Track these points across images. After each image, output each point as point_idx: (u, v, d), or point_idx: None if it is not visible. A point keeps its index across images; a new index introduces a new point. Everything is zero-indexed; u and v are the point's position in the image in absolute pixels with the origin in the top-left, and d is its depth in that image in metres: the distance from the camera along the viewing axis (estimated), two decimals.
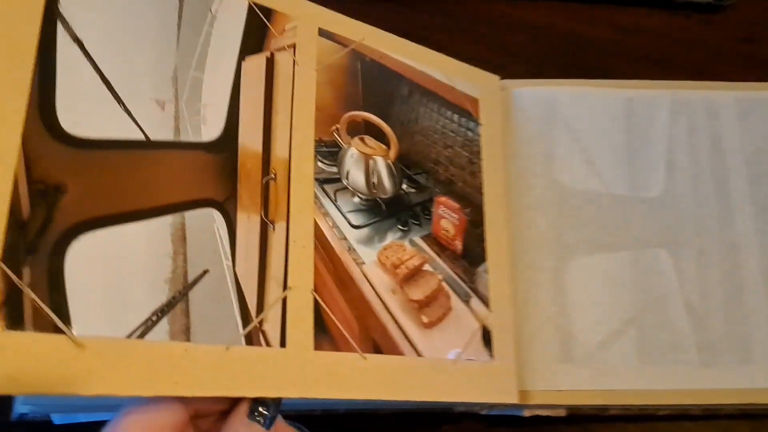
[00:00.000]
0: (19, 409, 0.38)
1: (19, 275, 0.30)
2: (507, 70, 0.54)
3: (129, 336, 0.32)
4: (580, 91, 0.55)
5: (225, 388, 0.34)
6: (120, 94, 0.35)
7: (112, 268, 0.33)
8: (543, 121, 0.54)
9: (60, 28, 0.34)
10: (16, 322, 0.29)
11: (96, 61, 0.35)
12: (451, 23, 0.60)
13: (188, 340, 0.34)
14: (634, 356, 0.48)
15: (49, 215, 0.32)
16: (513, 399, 0.46)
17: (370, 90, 0.46)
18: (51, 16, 0.34)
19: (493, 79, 0.53)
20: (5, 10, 0.33)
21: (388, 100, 0.47)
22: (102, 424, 0.31)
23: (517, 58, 0.60)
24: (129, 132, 0.35)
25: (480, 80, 0.53)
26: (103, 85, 0.35)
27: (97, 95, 0.35)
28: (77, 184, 0.33)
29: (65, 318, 0.31)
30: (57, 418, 0.38)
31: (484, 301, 0.47)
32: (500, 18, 0.61)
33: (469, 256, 0.47)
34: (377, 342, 0.41)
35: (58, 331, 0.30)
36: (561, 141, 0.53)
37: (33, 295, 0.30)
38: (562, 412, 0.48)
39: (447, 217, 0.47)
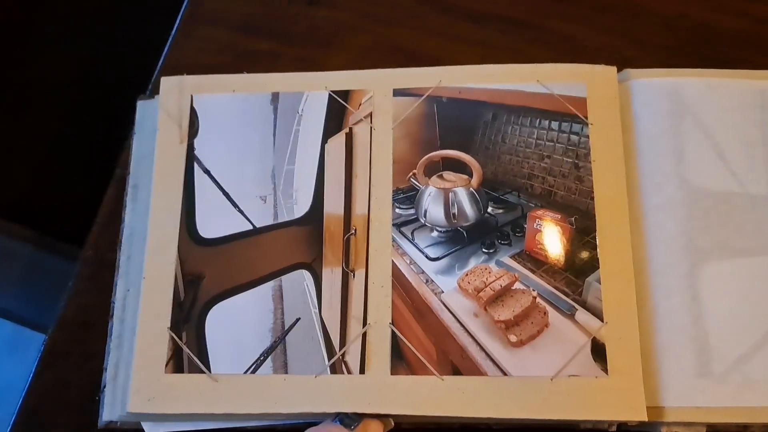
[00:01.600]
0: (107, 416, 0.46)
1: (180, 338, 0.47)
2: (634, 62, 0.51)
3: (245, 372, 0.46)
4: (708, 82, 0.49)
5: (313, 406, 0.45)
6: (235, 200, 0.50)
7: (233, 326, 0.47)
8: (669, 114, 0.48)
9: (196, 166, 0.51)
10: (178, 368, 0.46)
11: (219, 181, 0.50)
12: (574, 11, 0.56)
13: (286, 372, 0.46)
14: None
15: (195, 295, 0.48)
16: (639, 416, 0.43)
17: (448, 128, 0.50)
18: (190, 159, 0.51)
19: (607, 71, 0.50)
20: (165, 164, 0.51)
21: (469, 131, 0.50)
22: None
23: (646, 50, 0.55)
24: (242, 225, 0.49)
25: (588, 77, 0.50)
26: (224, 198, 0.50)
27: (220, 206, 0.50)
28: (210, 271, 0.48)
29: (206, 363, 0.46)
30: (149, 427, 0.45)
31: (595, 313, 0.45)
32: (628, 6, 0.56)
33: (575, 266, 0.46)
34: (456, 365, 0.45)
35: (203, 371, 0.46)
36: (690, 136, 0.47)
37: (188, 351, 0.47)
38: (702, 430, 0.42)
39: (544, 230, 0.47)
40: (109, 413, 0.47)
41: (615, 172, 0.48)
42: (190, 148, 0.51)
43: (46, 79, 0.77)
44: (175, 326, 0.47)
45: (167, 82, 0.53)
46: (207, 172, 0.51)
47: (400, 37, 0.58)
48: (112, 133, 0.57)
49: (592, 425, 0.45)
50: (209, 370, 0.46)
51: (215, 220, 0.50)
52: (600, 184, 0.47)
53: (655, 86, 0.49)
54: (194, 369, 0.46)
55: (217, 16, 0.59)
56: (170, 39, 0.59)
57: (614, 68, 0.50)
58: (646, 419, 0.43)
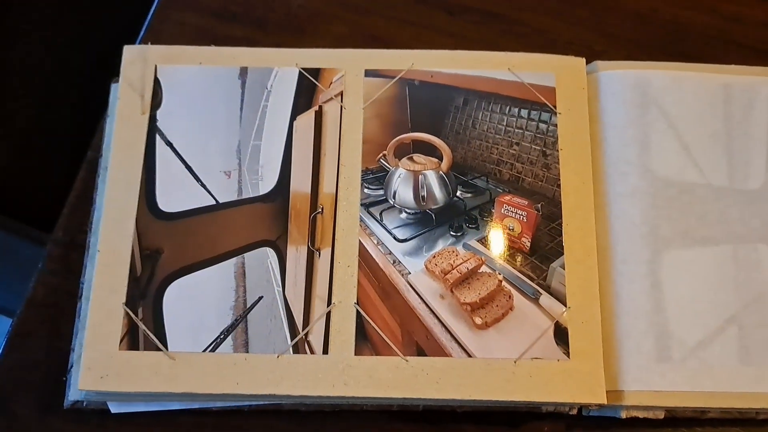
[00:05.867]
0: (73, 396, 0.45)
1: (136, 314, 0.45)
2: (604, 56, 0.52)
3: (204, 350, 0.44)
4: (674, 75, 0.50)
5: (275, 387, 0.43)
6: (197, 173, 0.48)
7: (192, 303, 0.46)
8: (635, 105, 0.49)
9: (158, 138, 0.49)
10: (134, 345, 0.45)
11: (181, 154, 0.49)
12: (547, 4, 0.57)
13: (247, 351, 0.44)
14: (734, 356, 0.43)
15: (153, 271, 0.46)
16: (599, 399, 0.43)
17: (419, 111, 0.50)
18: (152, 131, 0.49)
19: (576, 62, 0.51)
20: (125, 135, 0.49)
21: (440, 115, 0.50)
22: (158, 414, 0.44)
23: (617, 44, 0.56)
24: (204, 200, 0.48)
25: (558, 67, 0.50)
26: (186, 171, 0.48)
27: (182, 179, 0.48)
28: (170, 246, 0.47)
29: (163, 340, 0.45)
30: (114, 407, 0.45)
31: (559, 298, 0.45)
32: (601, 1, 0.58)
33: (540, 252, 0.46)
34: (421, 346, 0.44)
35: (159, 349, 0.44)
36: (655, 127, 0.49)
37: (144, 327, 0.45)
38: (660, 414, 0.43)
39: (511, 215, 0.47)
40: (75, 393, 0.45)
41: (581, 161, 0.48)
42: (153, 119, 0.50)
43: (20, 64, 0.74)
44: (131, 302, 0.45)
45: (130, 51, 0.51)
46: (169, 144, 0.49)
47: (374, 27, 0.58)
48: (88, 119, 0.56)
49: (554, 408, 0.45)
50: (166, 348, 0.44)
51: (176, 194, 0.48)
52: (566, 172, 0.48)
53: (622, 78, 0.50)
54: (150, 346, 0.44)
55: (193, 2, 0.58)
56: (145, 24, 0.58)
57: (583, 59, 0.51)
58: (605, 402, 0.43)
